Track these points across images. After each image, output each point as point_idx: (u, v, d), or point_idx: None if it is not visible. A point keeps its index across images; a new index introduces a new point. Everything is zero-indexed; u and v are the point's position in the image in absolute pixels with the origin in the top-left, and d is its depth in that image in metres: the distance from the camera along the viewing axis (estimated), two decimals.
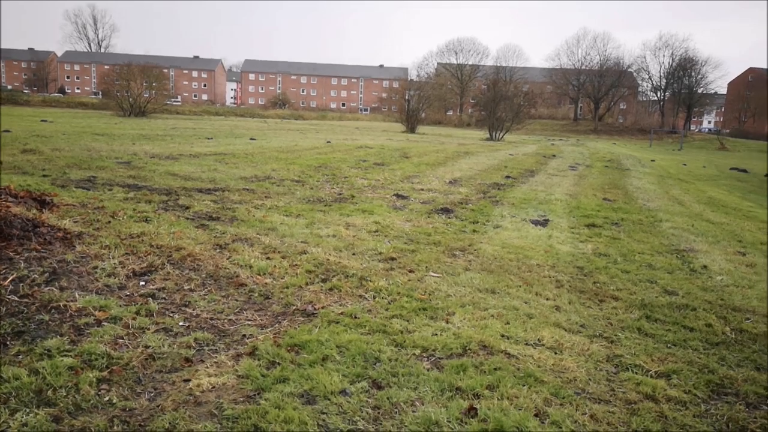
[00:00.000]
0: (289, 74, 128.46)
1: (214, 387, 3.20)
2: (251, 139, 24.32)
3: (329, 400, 3.15)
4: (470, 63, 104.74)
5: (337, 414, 3.03)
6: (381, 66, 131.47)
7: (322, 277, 5.29)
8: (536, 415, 3.13)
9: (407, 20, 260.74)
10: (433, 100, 71.31)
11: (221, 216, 7.53)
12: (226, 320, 4.19)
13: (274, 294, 4.76)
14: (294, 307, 4.51)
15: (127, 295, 4.48)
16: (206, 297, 4.59)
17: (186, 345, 3.71)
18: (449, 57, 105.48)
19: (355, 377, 3.42)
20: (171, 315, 4.20)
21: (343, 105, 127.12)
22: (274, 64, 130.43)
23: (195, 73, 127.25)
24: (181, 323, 4.07)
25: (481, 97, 66.68)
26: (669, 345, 4.29)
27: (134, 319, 4.02)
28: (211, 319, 4.19)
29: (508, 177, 15.80)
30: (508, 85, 65.21)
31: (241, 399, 3.10)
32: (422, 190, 11.80)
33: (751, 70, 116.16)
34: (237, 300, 4.60)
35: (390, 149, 22.85)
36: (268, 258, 5.72)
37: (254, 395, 3.15)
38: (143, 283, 4.79)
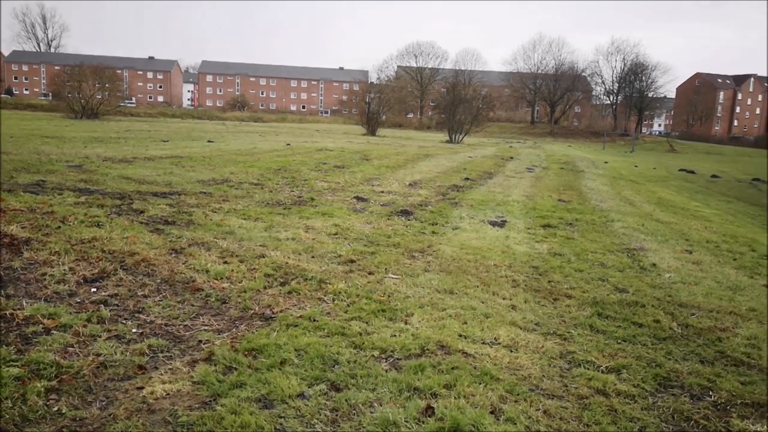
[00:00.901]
0: (248, 76, 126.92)
1: (168, 394, 3.15)
2: (209, 141, 23.94)
3: (287, 403, 3.13)
4: (430, 66, 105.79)
5: (294, 417, 3.02)
6: (341, 68, 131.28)
7: (281, 280, 5.26)
8: (492, 412, 3.19)
9: (367, 22, 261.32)
10: (394, 103, 71.52)
11: (177, 220, 7.39)
12: (181, 326, 4.12)
13: (232, 298, 4.70)
14: (252, 311, 4.46)
15: (77, 302, 4.36)
16: (161, 303, 4.50)
17: (139, 352, 3.63)
18: (409, 60, 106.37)
19: (314, 380, 3.42)
20: (124, 322, 4.10)
21: (303, 107, 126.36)
22: (233, 65, 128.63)
23: (150, 75, 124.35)
24: (134, 330, 3.98)
25: (440, 100, 67.37)
26: (619, 341, 4.44)
27: (85, 326, 3.91)
28: (166, 325, 4.11)
29: (467, 179, 16.01)
30: (467, 89, 65.96)
31: (197, 405, 3.06)
32: (382, 192, 11.84)
33: (697, 75, 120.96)
34: (193, 305, 4.52)
35: (350, 152, 22.85)
36: (225, 262, 5.65)
37: (210, 401, 3.11)
38: (95, 289, 4.66)
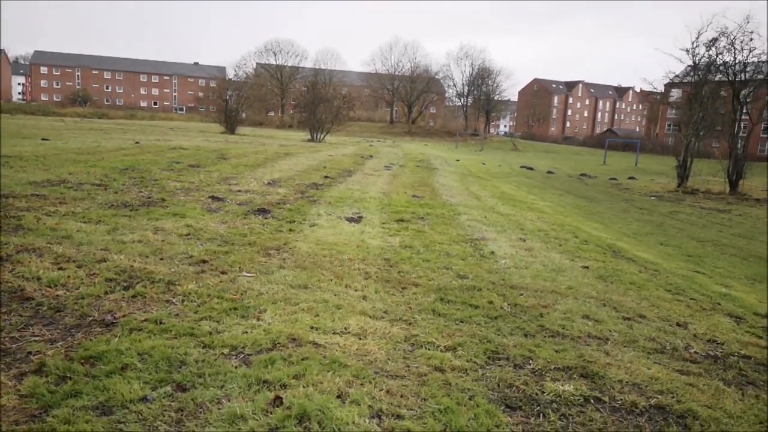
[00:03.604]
0: (90, 68, 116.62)
1: None
2: (43, 139, 21.69)
3: (128, 408, 3.04)
4: (290, 64, 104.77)
5: (136, 422, 2.94)
6: (196, 64, 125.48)
7: (125, 284, 5.01)
8: (338, 397, 3.36)
9: (223, 17, 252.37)
10: (254, 101, 70.05)
11: (3, 225, 6.69)
12: (7, 338, 3.78)
13: (67, 306, 4.40)
14: (90, 318, 4.22)
15: None
16: None
17: None
18: (268, 57, 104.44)
19: (158, 383, 3.34)
20: None
21: (155, 104, 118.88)
22: (72, 56, 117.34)
23: None
24: None
25: (301, 98, 67.01)
26: (457, 322, 4.85)
27: None
28: None
29: (326, 177, 16.21)
30: (328, 88, 66.51)
31: (24, 419, 2.86)
32: (240, 191, 11.62)
33: (535, 80, 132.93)
34: (21, 315, 4.17)
35: (207, 150, 22.00)
36: (60, 268, 5.25)
37: (41, 413, 2.93)
38: None
